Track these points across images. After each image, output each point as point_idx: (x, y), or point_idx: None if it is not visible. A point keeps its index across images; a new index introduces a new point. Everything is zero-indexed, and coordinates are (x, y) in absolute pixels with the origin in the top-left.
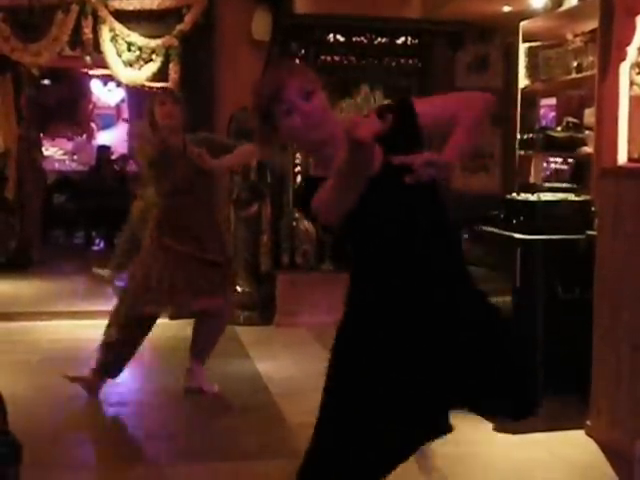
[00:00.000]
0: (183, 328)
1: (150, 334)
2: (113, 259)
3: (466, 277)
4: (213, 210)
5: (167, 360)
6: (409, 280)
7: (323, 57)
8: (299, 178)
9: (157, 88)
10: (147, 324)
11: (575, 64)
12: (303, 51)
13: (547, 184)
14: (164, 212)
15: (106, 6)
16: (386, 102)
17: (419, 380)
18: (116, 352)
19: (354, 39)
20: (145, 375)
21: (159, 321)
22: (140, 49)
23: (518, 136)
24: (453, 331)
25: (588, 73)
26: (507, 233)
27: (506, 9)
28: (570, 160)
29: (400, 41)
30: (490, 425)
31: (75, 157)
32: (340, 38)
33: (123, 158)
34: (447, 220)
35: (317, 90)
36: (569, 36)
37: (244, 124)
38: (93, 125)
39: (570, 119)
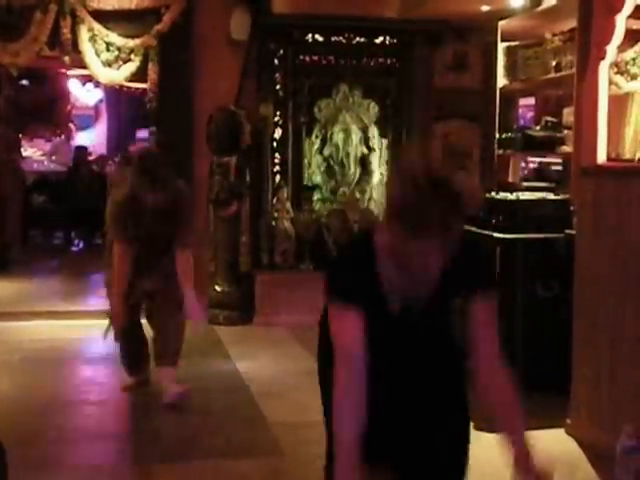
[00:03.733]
0: None
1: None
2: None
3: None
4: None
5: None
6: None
7: (302, 57)
8: (277, 178)
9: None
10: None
11: (554, 63)
12: (282, 51)
13: (526, 183)
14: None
15: (85, 6)
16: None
17: None
18: (125, 345)
19: (333, 39)
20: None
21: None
22: (119, 49)
23: (497, 135)
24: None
25: (567, 72)
26: (486, 232)
27: (485, 8)
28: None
29: (379, 41)
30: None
31: (53, 158)
32: (319, 38)
33: (101, 159)
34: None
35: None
36: (548, 35)
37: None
38: (71, 125)
39: (549, 118)
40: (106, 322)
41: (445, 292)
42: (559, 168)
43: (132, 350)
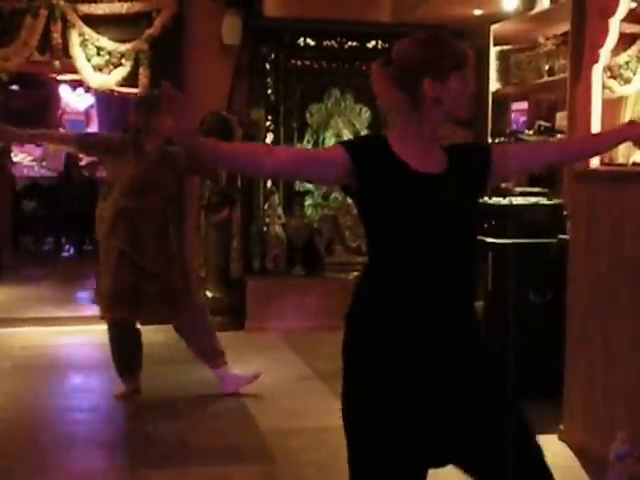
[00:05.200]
0: (154, 334)
1: None
2: None
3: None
4: (166, 224)
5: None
6: (427, 288)
7: (293, 61)
8: (269, 183)
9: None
10: (127, 330)
11: (547, 67)
12: (273, 55)
13: (518, 188)
14: (115, 213)
15: (75, 10)
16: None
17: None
18: (118, 350)
19: (324, 43)
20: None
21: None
22: (109, 53)
23: (489, 140)
24: (454, 373)
25: (560, 76)
26: (479, 237)
27: (477, 12)
28: None
29: (371, 45)
30: None
31: (44, 163)
32: (310, 42)
33: (92, 164)
34: (476, 238)
35: None
36: (541, 39)
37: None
38: (62, 131)
39: (542, 122)
40: (97, 328)
41: (455, 164)
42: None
43: (124, 355)
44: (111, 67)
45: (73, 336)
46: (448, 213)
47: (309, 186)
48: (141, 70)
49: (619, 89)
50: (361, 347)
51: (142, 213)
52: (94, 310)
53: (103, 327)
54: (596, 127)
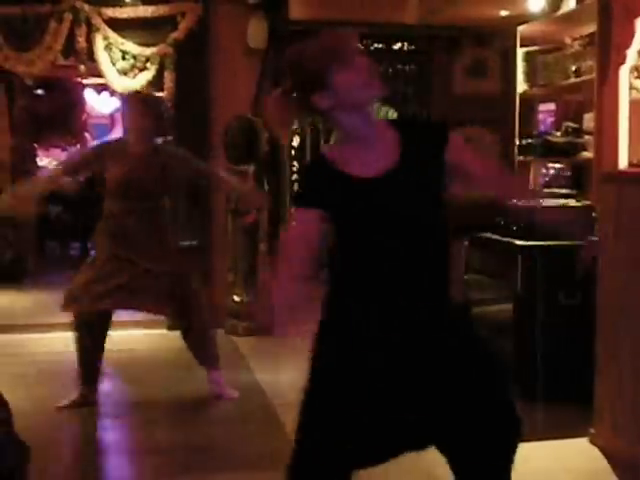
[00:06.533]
0: (173, 341)
1: (148, 345)
2: None
3: (448, 293)
4: (159, 221)
5: (163, 371)
6: (397, 288)
7: None
8: (296, 186)
9: (135, 92)
10: (98, 325)
11: (574, 68)
12: None
13: (547, 189)
14: (103, 217)
15: (100, 14)
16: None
17: (395, 403)
18: (83, 359)
19: None
20: (141, 387)
21: (158, 332)
22: (134, 57)
23: (517, 142)
24: (432, 358)
25: (587, 77)
26: (507, 239)
27: (503, 13)
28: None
29: (397, 47)
30: None
31: None
32: None
33: None
34: (446, 232)
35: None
36: (567, 40)
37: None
38: (87, 135)
39: (569, 124)
40: (122, 334)
41: (408, 155)
42: (568, 174)
43: (87, 357)
44: (136, 71)
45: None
46: (396, 213)
47: None
48: (166, 74)
49: None
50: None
51: (129, 214)
52: (118, 315)
53: (127, 332)
54: (623, 128)
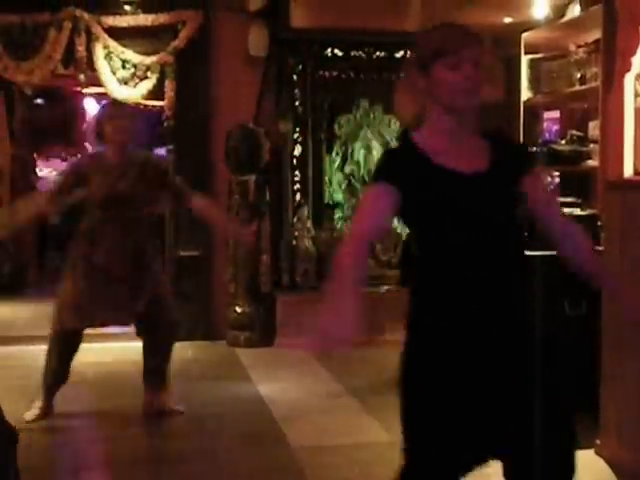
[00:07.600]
0: (184, 351)
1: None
2: None
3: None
4: (140, 232)
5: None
6: (482, 293)
7: (321, 72)
8: (298, 196)
9: (113, 101)
10: (73, 341)
11: (578, 76)
12: (301, 66)
13: None
14: (81, 230)
15: (99, 23)
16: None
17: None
18: (51, 373)
19: (352, 53)
20: (141, 401)
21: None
22: (135, 66)
23: None
24: (518, 361)
25: (592, 85)
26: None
27: (507, 20)
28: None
29: (399, 55)
30: None
31: None
32: (338, 53)
33: None
34: (522, 245)
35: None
36: (572, 47)
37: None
38: (87, 145)
39: (574, 132)
40: (124, 345)
41: (497, 164)
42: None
43: (60, 369)
44: (137, 80)
45: (100, 353)
46: (484, 215)
47: (339, 198)
48: (167, 83)
49: None
50: (423, 358)
51: (106, 224)
52: (119, 328)
53: (129, 344)
54: (629, 136)
